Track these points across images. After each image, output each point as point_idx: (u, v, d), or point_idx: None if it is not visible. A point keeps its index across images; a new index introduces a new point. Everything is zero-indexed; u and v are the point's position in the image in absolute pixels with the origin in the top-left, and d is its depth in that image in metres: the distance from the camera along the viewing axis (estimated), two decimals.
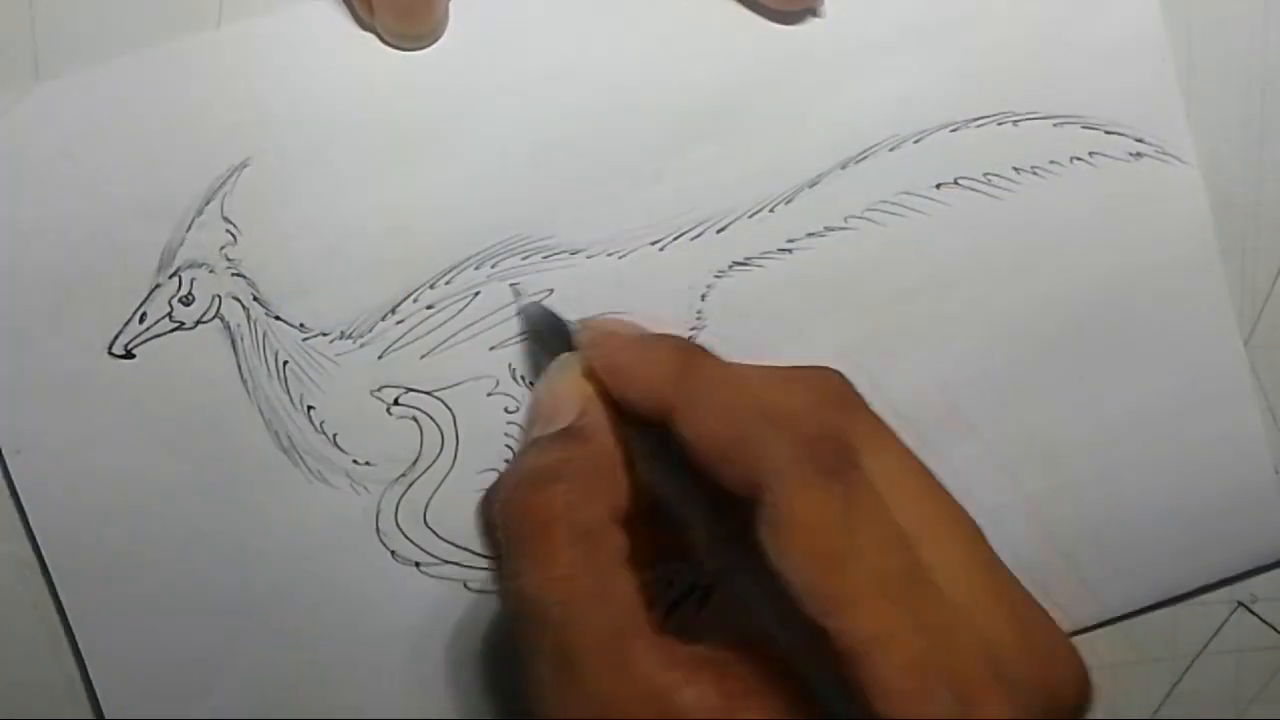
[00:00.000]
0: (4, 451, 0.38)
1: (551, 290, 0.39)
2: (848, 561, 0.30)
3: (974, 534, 0.33)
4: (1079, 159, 0.40)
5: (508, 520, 0.34)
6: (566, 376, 0.36)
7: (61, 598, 0.38)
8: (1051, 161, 0.40)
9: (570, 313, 0.39)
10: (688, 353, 0.35)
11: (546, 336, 0.38)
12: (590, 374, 0.36)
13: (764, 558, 0.31)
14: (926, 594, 0.31)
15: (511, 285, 0.39)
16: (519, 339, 0.39)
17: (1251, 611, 0.44)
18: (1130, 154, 0.40)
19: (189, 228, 0.38)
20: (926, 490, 0.34)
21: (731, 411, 0.33)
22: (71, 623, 0.38)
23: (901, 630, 0.30)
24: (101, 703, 0.39)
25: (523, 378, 0.39)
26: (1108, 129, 0.40)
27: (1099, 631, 0.43)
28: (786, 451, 0.32)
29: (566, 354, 0.37)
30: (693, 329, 0.40)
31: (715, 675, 0.31)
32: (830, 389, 0.35)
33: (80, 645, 0.39)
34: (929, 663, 0.29)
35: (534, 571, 0.32)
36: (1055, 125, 0.40)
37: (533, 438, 0.36)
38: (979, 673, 0.30)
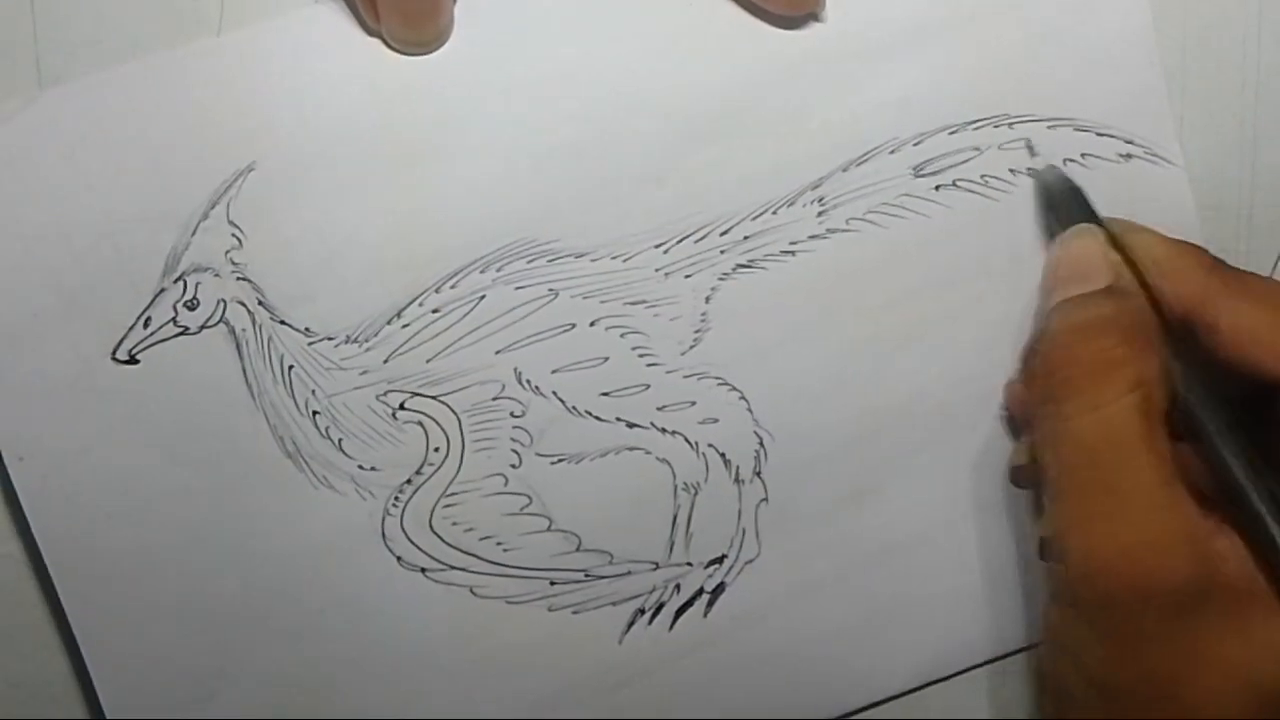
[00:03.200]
0: (7, 456, 0.37)
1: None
2: None
3: None
4: (1072, 160, 0.41)
5: (1064, 365, 0.35)
6: (1096, 241, 0.38)
7: (64, 602, 0.38)
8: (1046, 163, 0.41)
9: (572, 316, 0.39)
10: (1216, 259, 0.37)
11: (1062, 202, 0.39)
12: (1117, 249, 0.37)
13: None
14: None
15: (1026, 142, 0.40)
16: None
17: None
18: (1120, 155, 0.41)
19: (194, 232, 0.38)
20: None
21: (1270, 299, 0.35)
22: (74, 627, 0.38)
23: None
24: (104, 707, 0.38)
25: (529, 380, 0.39)
26: (1099, 131, 0.41)
27: None
28: None
29: (1089, 224, 0.38)
30: (697, 331, 0.40)
31: (1239, 531, 0.34)
32: None
33: (83, 650, 0.38)
34: None
35: (1091, 414, 0.34)
36: (1049, 127, 0.41)
37: (1068, 295, 0.37)
38: None
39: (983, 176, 0.41)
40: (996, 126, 0.40)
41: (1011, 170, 0.41)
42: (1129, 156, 0.41)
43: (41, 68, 0.37)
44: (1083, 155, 0.41)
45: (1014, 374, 0.40)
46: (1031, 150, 0.40)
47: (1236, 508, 0.34)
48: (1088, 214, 0.39)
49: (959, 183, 0.41)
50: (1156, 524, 0.33)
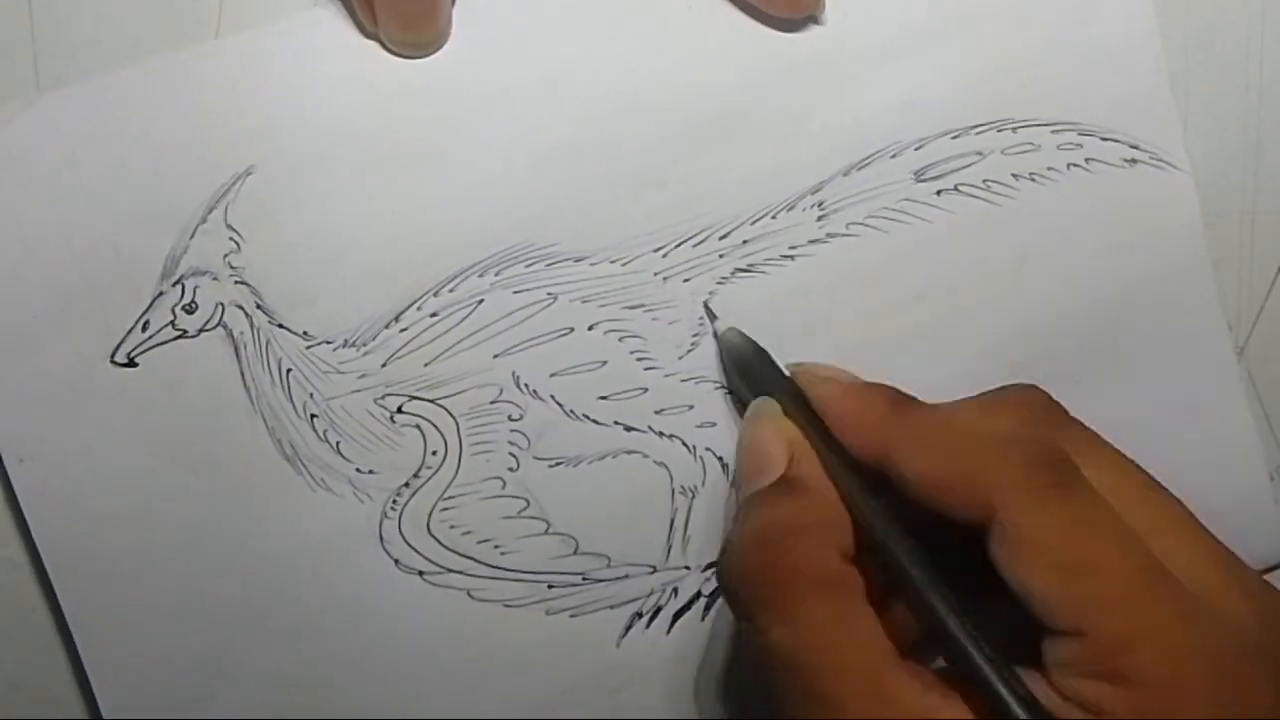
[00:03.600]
0: (6, 458, 0.37)
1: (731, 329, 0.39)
2: (1093, 567, 0.32)
3: (1195, 522, 0.35)
4: (1076, 165, 0.41)
5: (747, 581, 0.34)
6: (770, 422, 0.37)
7: (63, 604, 0.38)
8: (1049, 168, 0.41)
9: (571, 320, 0.39)
10: (898, 398, 0.37)
11: (745, 365, 0.39)
12: (791, 415, 0.37)
13: (1003, 576, 0.32)
14: (1170, 587, 0.32)
15: (705, 304, 0.39)
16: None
17: None
18: (1125, 160, 0.41)
19: (192, 235, 0.38)
20: (1145, 489, 0.35)
21: (949, 445, 0.34)
22: (73, 628, 0.38)
23: (1159, 623, 0.31)
24: (103, 708, 0.39)
25: (527, 384, 0.39)
26: (1103, 135, 0.41)
27: None
28: (1011, 474, 0.33)
29: (764, 398, 0.38)
30: (695, 335, 0.40)
31: (967, 693, 0.32)
32: (1036, 406, 0.36)
33: (82, 651, 0.38)
34: (1190, 650, 0.31)
35: (782, 625, 0.33)
36: (1053, 131, 0.40)
37: (750, 493, 0.37)
38: (1233, 654, 0.32)
39: (985, 181, 0.40)
40: (999, 131, 0.40)
41: (1014, 175, 0.40)
42: (1134, 161, 0.41)
43: (40, 70, 0.37)
44: (1087, 160, 0.41)
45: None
46: (711, 314, 0.39)
47: (952, 659, 0.33)
48: (775, 373, 0.38)
49: (960, 187, 0.40)
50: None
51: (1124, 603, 0.31)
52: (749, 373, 0.39)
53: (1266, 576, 0.43)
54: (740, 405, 0.39)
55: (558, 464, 0.40)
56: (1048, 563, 0.32)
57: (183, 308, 0.38)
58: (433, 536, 0.40)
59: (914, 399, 0.37)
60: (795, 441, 0.37)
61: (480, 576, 0.40)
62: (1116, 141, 0.41)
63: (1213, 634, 0.32)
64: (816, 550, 0.34)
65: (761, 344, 0.39)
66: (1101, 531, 0.33)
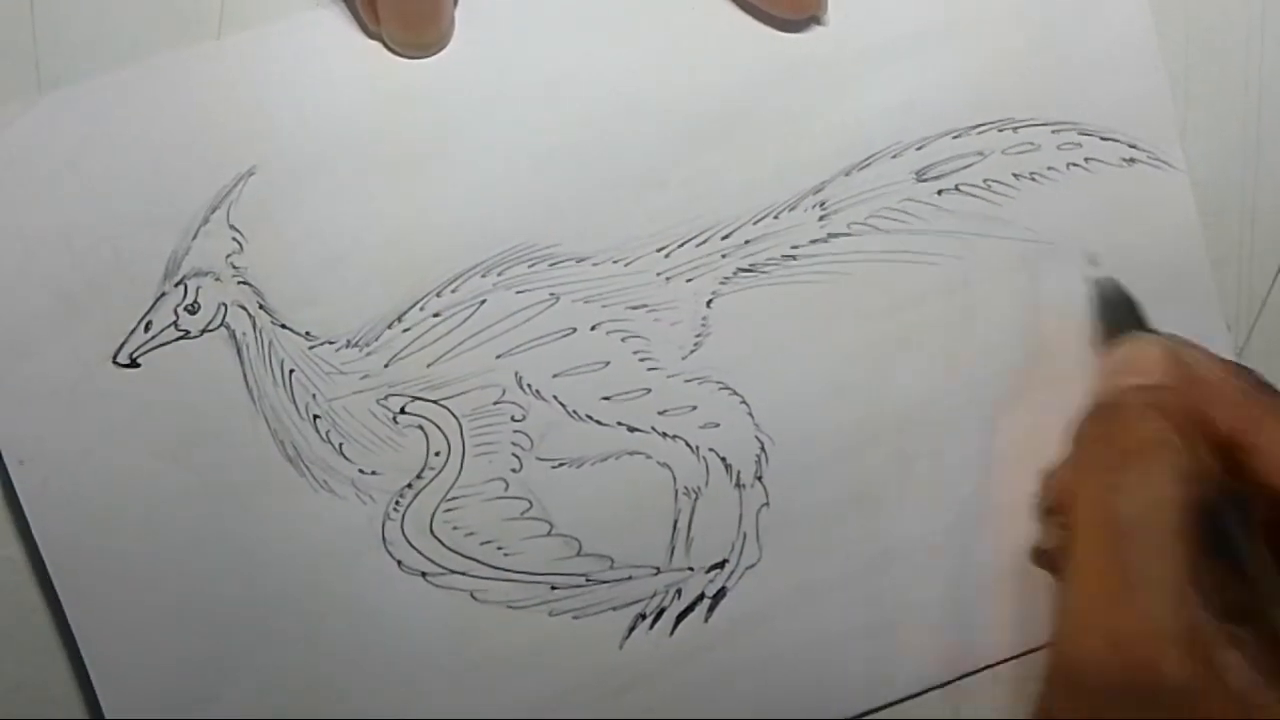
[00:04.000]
0: (8, 459, 0.37)
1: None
2: None
3: None
4: (1076, 165, 0.41)
5: (1125, 436, 0.34)
6: (1160, 350, 0.37)
7: (64, 605, 0.38)
8: (1049, 168, 0.41)
9: (573, 320, 0.39)
10: (1260, 381, 0.37)
11: (1116, 311, 0.40)
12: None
13: None
14: None
15: (1089, 255, 0.41)
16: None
17: None
18: (1124, 160, 0.41)
19: (195, 236, 0.38)
20: None
21: None
22: (75, 630, 0.38)
23: None
24: (104, 709, 0.38)
25: (529, 385, 0.39)
26: (1103, 135, 0.41)
27: None
28: None
29: (1149, 335, 0.39)
30: (698, 335, 0.40)
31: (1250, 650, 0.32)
32: None
33: (84, 653, 0.38)
34: None
35: (1140, 490, 0.33)
36: (1053, 131, 0.41)
37: (1130, 384, 0.37)
38: None
39: (986, 181, 0.41)
40: (1000, 130, 0.40)
41: (1015, 175, 0.41)
42: (1132, 161, 0.41)
43: (41, 71, 0.37)
44: (1086, 160, 0.41)
45: (1052, 464, 0.40)
46: (1094, 261, 0.41)
47: (1256, 624, 0.33)
48: (1142, 326, 0.40)
49: (961, 187, 0.40)
50: (1164, 618, 0.32)
51: None
52: (1121, 321, 0.40)
53: None
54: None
55: (560, 465, 0.40)
56: None
57: (185, 308, 0.38)
58: (435, 538, 0.40)
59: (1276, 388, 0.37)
60: (1173, 372, 0.37)
61: (483, 578, 0.40)
62: (1115, 141, 0.41)
63: None
64: (1191, 449, 0.34)
65: (763, 343, 0.39)
66: None
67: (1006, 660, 0.42)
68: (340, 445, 0.39)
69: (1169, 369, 0.37)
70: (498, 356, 0.39)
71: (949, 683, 0.42)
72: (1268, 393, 0.36)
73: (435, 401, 0.39)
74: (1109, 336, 0.40)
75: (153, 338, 0.38)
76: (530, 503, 0.40)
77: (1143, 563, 0.33)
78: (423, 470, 0.39)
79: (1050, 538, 0.39)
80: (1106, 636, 0.32)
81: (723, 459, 0.40)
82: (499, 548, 0.40)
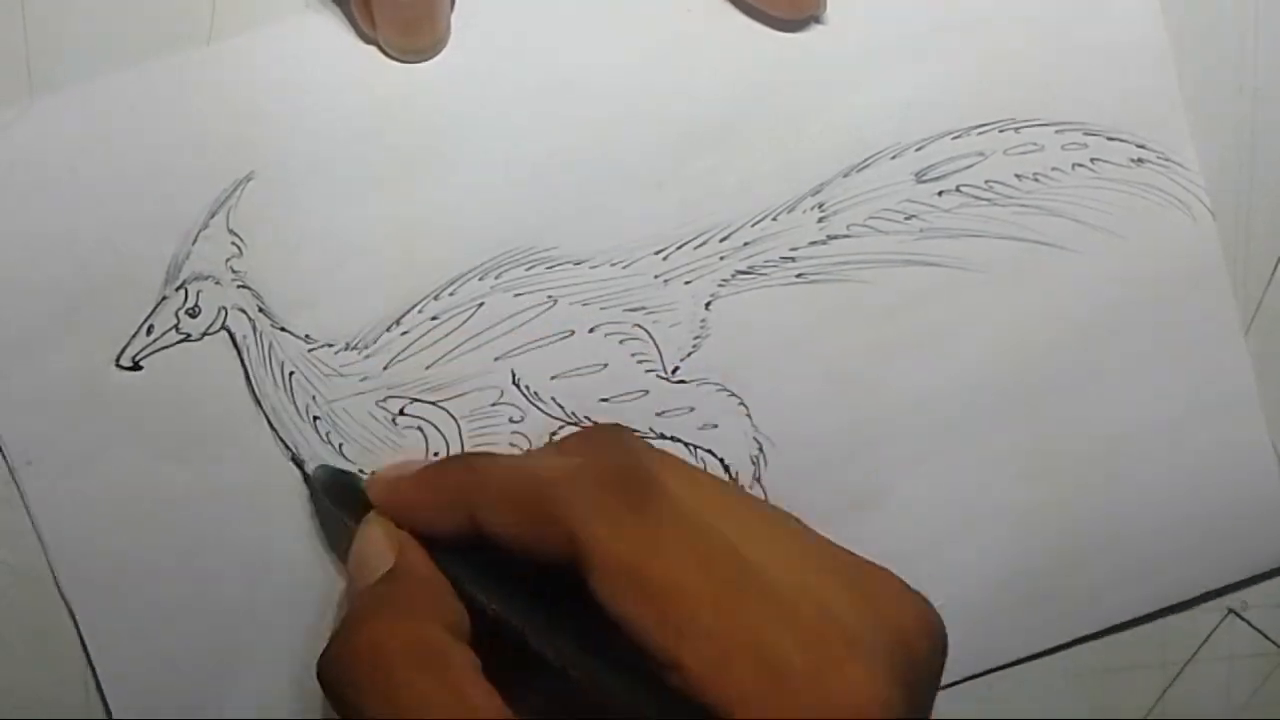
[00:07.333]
0: (13, 462, 0.38)
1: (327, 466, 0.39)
2: (677, 589, 0.30)
3: (790, 521, 0.35)
4: (1081, 165, 0.40)
5: (343, 672, 0.32)
6: (375, 532, 0.36)
7: (71, 606, 0.39)
8: (1054, 168, 0.40)
9: (571, 323, 0.39)
10: (475, 462, 0.36)
11: (340, 496, 0.38)
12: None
13: (602, 610, 0.31)
14: (758, 592, 0.31)
15: (296, 463, 0.39)
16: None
17: (1242, 618, 0.44)
18: (1132, 160, 0.40)
19: (194, 240, 0.38)
20: (733, 497, 0.35)
21: (525, 490, 0.33)
22: (83, 632, 0.39)
23: (751, 638, 0.30)
24: (112, 710, 0.39)
25: (527, 387, 0.40)
26: (1109, 135, 0.40)
27: None
28: (586, 501, 0.32)
29: (370, 514, 0.36)
30: (696, 337, 0.40)
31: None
32: (607, 436, 0.37)
33: (91, 654, 0.39)
34: (785, 651, 0.30)
35: (387, 712, 0.30)
36: (1057, 131, 0.40)
37: (366, 588, 0.35)
38: (830, 643, 0.30)
39: (987, 182, 0.40)
40: (1002, 131, 0.40)
41: (1018, 175, 0.40)
42: (1140, 161, 0.40)
43: (33, 75, 0.37)
44: (1092, 160, 0.40)
45: None
46: (305, 470, 0.39)
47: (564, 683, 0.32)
48: (363, 500, 0.37)
49: (962, 188, 0.40)
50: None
51: (712, 624, 0.30)
52: (346, 502, 0.38)
53: None
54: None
55: None
56: (633, 588, 0.30)
57: (186, 312, 0.38)
58: None
59: (494, 456, 0.36)
60: (403, 541, 0.35)
61: None
62: (1123, 141, 0.40)
63: (811, 628, 0.30)
64: (416, 626, 0.32)
65: (761, 345, 0.39)
66: (681, 547, 0.31)
67: (1008, 664, 0.42)
68: (340, 446, 0.39)
69: (392, 540, 0.35)
70: (496, 359, 0.40)
71: (949, 684, 0.42)
72: (476, 472, 0.34)
73: (434, 403, 0.40)
74: (353, 527, 0.37)
75: (154, 341, 0.38)
76: None
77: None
78: None
79: None
80: None
81: (721, 460, 0.40)
82: None
